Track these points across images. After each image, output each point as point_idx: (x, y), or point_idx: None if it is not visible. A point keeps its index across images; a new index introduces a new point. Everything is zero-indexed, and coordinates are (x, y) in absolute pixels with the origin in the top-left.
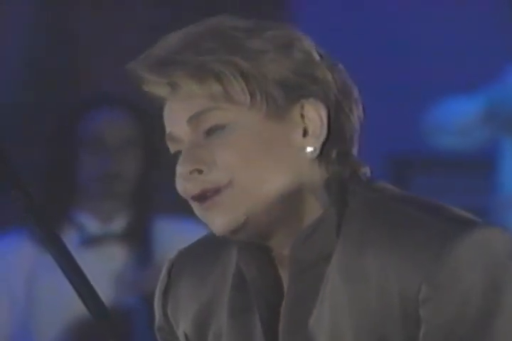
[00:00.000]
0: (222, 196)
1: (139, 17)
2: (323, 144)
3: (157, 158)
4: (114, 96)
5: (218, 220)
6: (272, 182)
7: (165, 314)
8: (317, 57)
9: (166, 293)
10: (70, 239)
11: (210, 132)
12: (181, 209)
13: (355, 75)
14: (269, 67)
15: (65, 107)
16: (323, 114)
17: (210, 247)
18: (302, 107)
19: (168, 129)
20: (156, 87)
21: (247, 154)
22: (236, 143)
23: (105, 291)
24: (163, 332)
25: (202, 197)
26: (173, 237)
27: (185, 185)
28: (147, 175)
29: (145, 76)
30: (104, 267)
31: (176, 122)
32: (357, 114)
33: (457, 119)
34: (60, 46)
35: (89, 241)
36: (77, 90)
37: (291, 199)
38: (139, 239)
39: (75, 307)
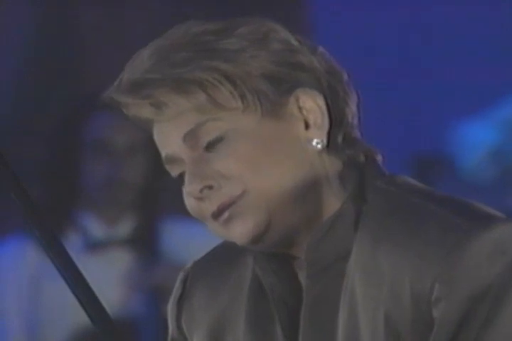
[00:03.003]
0: (239, 205)
1: (145, 15)
2: (328, 132)
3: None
4: None
5: (240, 229)
6: (285, 180)
7: (179, 326)
8: (297, 44)
9: (180, 304)
10: (73, 243)
11: (209, 146)
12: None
13: (376, 72)
14: (251, 64)
15: (68, 108)
16: (321, 101)
17: (226, 257)
18: (297, 99)
19: (163, 152)
20: (138, 109)
21: (253, 160)
22: (239, 151)
23: (110, 299)
24: None
25: (220, 213)
26: (181, 240)
27: (199, 204)
28: (153, 178)
29: (124, 101)
30: (109, 273)
31: (171, 143)
32: (352, 96)
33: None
34: (61, 45)
35: (94, 246)
36: (79, 90)
37: (308, 195)
38: (145, 243)
39: (79, 315)
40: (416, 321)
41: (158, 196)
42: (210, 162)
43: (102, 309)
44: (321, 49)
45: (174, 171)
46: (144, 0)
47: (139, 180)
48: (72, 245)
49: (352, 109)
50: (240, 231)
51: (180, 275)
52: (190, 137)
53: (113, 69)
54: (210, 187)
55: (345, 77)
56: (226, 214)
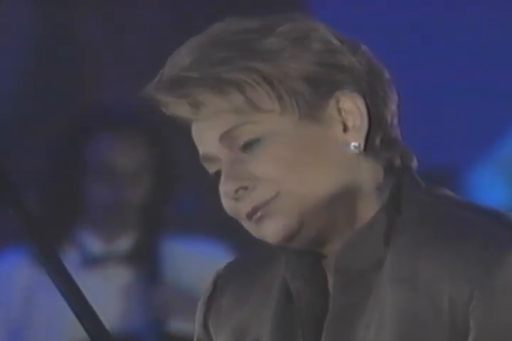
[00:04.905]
0: (272, 206)
1: (145, 15)
2: (366, 135)
3: (167, 182)
4: (122, 118)
5: (271, 228)
6: (320, 184)
7: (205, 325)
8: (338, 44)
9: (209, 303)
10: (71, 259)
11: (246, 147)
12: (190, 228)
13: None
14: (290, 65)
15: (69, 119)
16: (361, 103)
17: (258, 261)
18: (337, 101)
19: (200, 150)
20: (176, 108)
21: (289, 162)
22: (276, 154)
23: (109, 315)
24: None
25: (254, 213)
26: (181, 258)
27: (234, 204)
28: (154, 196)
29: (163, 99)
30: (108, 289)
31: (208, 142)
32: (392, 96)
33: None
34: (61, 44)
35: (92, 262)
36: (79, 90)
37: (343, 201)
38: (145, 260)
39: (77, 330)
40: (451, 331)
41: (158, 213)
42: (246, 163)
43: (100, 325)
44: (363, 47)
45: (211, 169)
46: (144, 2)
47: (139, 198)
48: (71, 260)
49: (391, 109)
50: (271, 230)
51: (212, 277)
52: (227, 138)
53: (113, 69)
54: (245, 188)
55: (387, 76)
56: (259, 214)
